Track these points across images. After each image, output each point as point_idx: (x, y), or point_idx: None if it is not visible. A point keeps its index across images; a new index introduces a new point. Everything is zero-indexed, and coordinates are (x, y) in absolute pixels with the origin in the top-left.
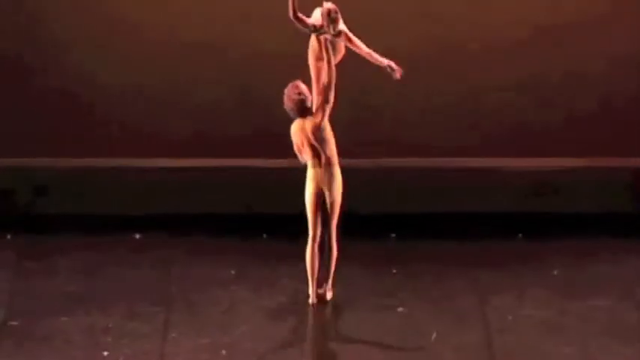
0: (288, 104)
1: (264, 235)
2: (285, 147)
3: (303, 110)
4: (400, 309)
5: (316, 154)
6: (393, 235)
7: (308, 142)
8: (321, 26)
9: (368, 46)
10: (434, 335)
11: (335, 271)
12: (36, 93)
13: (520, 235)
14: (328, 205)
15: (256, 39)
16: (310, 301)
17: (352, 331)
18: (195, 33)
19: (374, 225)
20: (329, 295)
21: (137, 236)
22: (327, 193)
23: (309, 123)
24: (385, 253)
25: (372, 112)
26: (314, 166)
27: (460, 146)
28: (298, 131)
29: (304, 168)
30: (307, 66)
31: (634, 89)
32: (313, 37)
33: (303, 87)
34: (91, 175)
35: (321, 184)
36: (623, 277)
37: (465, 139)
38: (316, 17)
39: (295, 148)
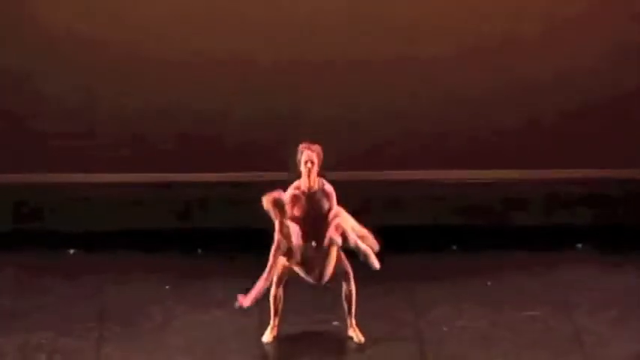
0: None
1: (199, 250)
2: (221, 160)
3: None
4: (335, 323)
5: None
6: None
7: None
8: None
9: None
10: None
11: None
12: None
13: (454, 247)
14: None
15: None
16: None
17: (287, 344)
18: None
19: None
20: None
21: (71, 252)
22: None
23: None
24: None
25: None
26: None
27: (389, 158)
28: None
29: (240, 183)
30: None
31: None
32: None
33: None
34: (24, 190)
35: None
36: (555, 288)
37: (393, 151)
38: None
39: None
